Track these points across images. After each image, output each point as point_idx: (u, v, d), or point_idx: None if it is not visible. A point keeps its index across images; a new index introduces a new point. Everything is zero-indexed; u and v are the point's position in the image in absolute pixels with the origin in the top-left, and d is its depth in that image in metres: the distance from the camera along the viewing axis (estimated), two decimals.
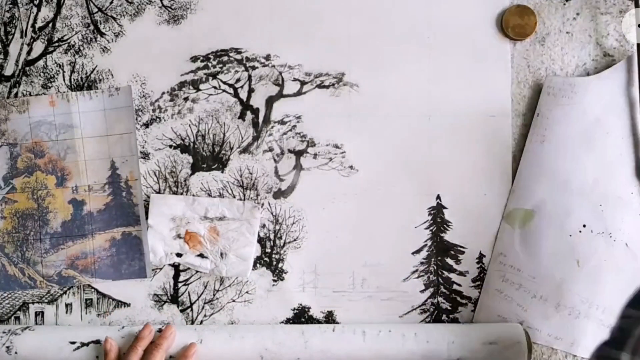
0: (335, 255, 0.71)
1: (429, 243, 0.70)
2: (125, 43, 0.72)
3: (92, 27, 0.72)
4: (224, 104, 0.72)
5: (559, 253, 0.68)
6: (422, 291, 0.70)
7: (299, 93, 0.71)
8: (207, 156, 0.72)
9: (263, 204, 0.71)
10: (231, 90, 0.72)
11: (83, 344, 0.68)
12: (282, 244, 0.71)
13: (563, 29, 0.70)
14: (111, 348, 0.66)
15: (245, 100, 0.72)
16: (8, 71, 0.72)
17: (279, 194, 0.71)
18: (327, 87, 0.71)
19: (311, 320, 0.71)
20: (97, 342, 0.68)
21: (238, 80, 0.72)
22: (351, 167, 0.71)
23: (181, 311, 0.72)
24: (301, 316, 0.71)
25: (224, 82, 0.72)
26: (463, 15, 0.70)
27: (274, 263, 0.71)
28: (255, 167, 0.71)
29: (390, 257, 0.70)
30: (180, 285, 0.72)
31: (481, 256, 0.70)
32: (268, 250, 0.71)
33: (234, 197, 0.71)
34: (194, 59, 0.72)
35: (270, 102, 0.71)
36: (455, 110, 0.70)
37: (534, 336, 0.68)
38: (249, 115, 0.72)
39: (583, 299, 0.68)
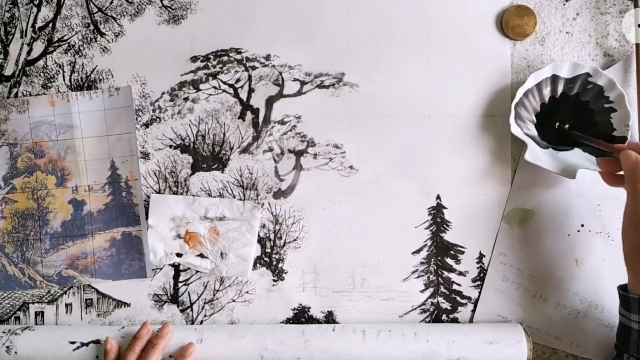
0: (335, 255, 0.71)
1: (429, 243, 0.70)
2: (125, 43, 0.72)
3: (92, 27, 0.72)
4: (224, 104, 0.72)
5: (558, 252, 0.69)
6: (422, 291, 0.71)
7: (299, 93, 0.71)
8: (207, 156, 0.72)
9: (263, 204, 0.71)
10: (231, 90, 0.72)
11: (83, 344, 0.68)
12: (282, 244, 0.71)
13: (563, 29, 0.70)
14: (111, 348, 0.66)
15: (245, 100, 0.72)
16: (8, 71, 0.72)
17: (279, 194, 0.71)
18: (327, 87, 0.71)
19: (311, 320, 0.71)
20: (97, 342, 0.68)
21: (238, 80, 0.72)
22: (351, 167, 0.71)
23: (181, 311, 0.72)
24: (301, 316, 0.71)
25: (224, 82, 0.72)
26: (463, 15, 0.70)
27: (274, 263, 0.71)
28: (255, 167, 0.72)
29: (390, 257, 0.70)
30: (180, 285, 0.72)
31: (481, 256, 0.70)
32: (268, 250, 0.71)
33: (234, 197, 0.71)
34: (194, 59, 0.72)
35: (270, 102, 0.71)
36: (455, 111, 0.70)
37: (534, 336, 0.68)
38: (249, 115, 0.72)
39: (582, 298, 0.68)
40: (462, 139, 0.70)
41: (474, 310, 0.70)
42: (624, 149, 0.60)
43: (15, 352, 0.67)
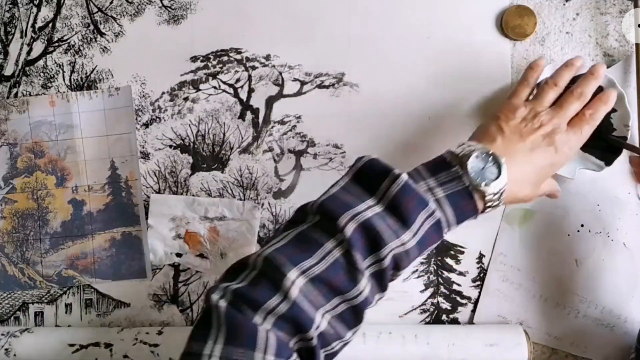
0: None
1: None
2: (125, 43, 0.72)
3: (92, 27, 0.72)
4: (224, 104, 0.72)
5: (558, 253, 0.69)
6: (422, 291, 0.70)
7: (299, 93, 0.71)
8: (207, 156, 0.72)
9: (263, 204, 0.71)
10: (231, 90, 0.72)
11: (82, 347, 0.67)
12: None
13: (563, 29, 0.70)
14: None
15: (245, 100, 0.72)
16: (8, 71, 0.72)
17: (279, 194, 0.71)
18: (327, 87, 0.71)
19: None
20: (96, 344, 0.67)
21: (238, 80, 0.72)
22: None
23: (181, 311, 0.72)
24: None
25: (224, 82, 0.72)
26: (463, 15, 0.70)
27: None
28: (255, 167, 0.71)
29: None
30: (180, 285, 0.72)
31: (481, 256, 0.70)
32: None
33: (234, 197, 0.71)
34: (194, 59, 0.72)
35: (270, 102, 0.71)
36: (455, 111, 0.70)
37: (534, 336, 0.68)
38: (249, 115, 0.72)
39: (582, 298, 0.68)
40: (462, 139, 0.70)
41: (474, 310, 0.70)
42: None
43: (14, 355, 0.67)
